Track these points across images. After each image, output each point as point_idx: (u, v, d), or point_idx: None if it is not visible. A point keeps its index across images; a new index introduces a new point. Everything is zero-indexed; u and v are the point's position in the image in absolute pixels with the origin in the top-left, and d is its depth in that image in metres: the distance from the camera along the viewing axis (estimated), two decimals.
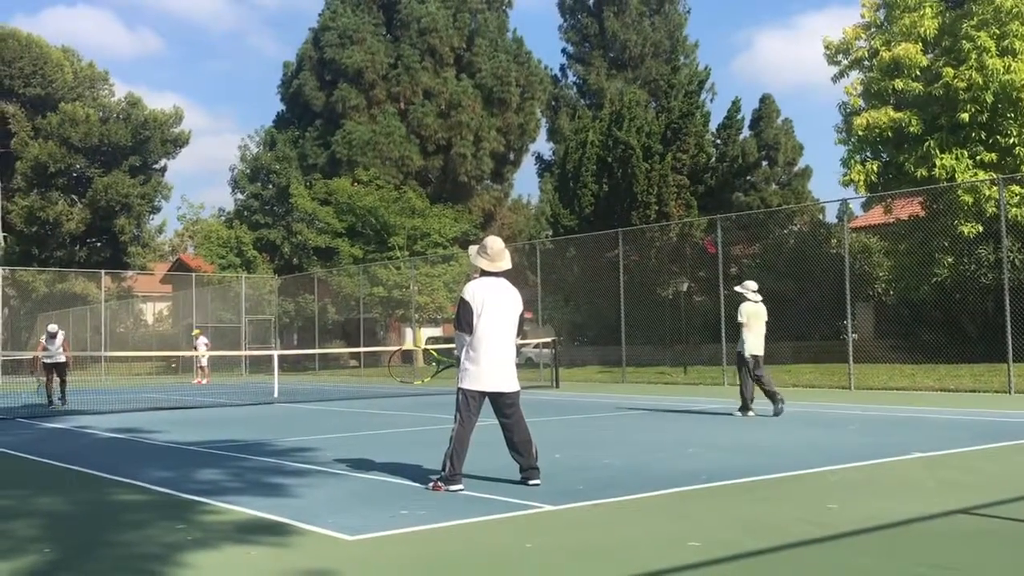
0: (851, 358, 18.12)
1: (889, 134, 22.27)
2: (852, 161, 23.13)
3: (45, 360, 18.63)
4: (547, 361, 24.86)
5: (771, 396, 12.10)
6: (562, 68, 49.62)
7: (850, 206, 28.16)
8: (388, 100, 43.58)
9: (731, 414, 12.56)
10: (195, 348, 28.67)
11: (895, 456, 8.04)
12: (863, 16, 24.14)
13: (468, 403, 6.72)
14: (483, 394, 6.74)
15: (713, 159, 34.84)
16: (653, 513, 5.86)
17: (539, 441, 6.97)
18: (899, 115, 22.04)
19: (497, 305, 6.73)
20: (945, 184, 20.89)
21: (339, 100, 42.83)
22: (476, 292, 6.72)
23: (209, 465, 8.33)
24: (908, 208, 24.81)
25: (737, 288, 12.82)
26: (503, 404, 6.79)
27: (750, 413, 12.27)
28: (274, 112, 49.53)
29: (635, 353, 24.81)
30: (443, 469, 6.59)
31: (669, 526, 5.44)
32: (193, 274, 43.01)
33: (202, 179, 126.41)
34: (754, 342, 12.30)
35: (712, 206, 31.77)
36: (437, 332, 47.23)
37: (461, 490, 6.49)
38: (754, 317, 12.35)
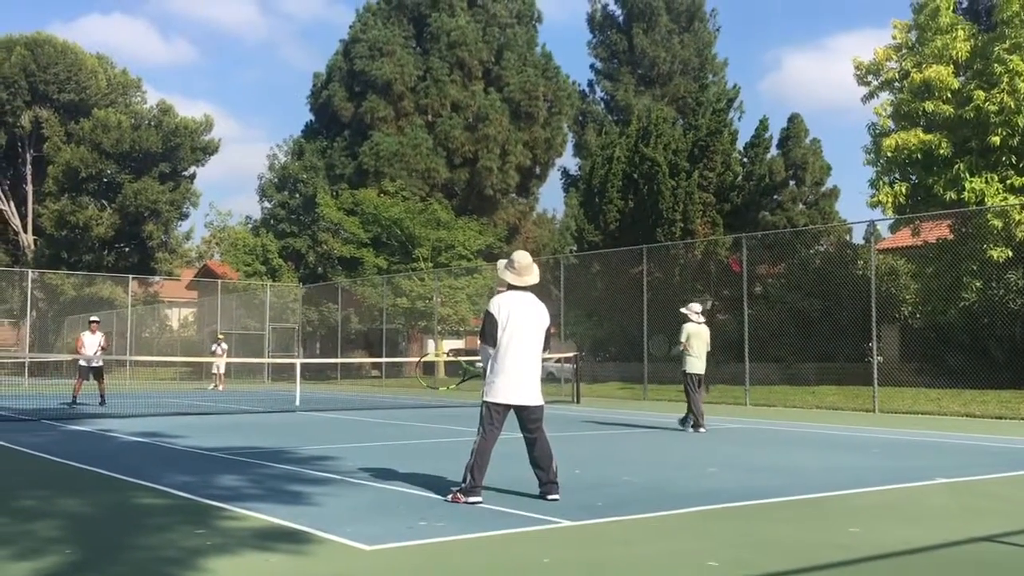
0: (876, 381, 17.95)
1: (918, 156, 22.11)
2: (880, 182, 22.97)
3: (82, 363, 18.77)
4: (569, 376, 24.80)
5: (693, 416, 12.77)
6: (590, 83, 49.74)
7: (877, 227, 27.93)
8: (416, 112, 43.81)
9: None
10: (212, 353, 28.73)
11: (919, 481, 7.95)
12: (894, 37, 24.02)
13: (492, 416, 6.73)
14: (508, 407, 6.75)
15: (740, 177, 34.71)
16: (672, 531, 5.82)
17: (559, 456, 6.96)
18: (929, 137, 21.88)
19: (523, 319, 6.74)
20: (974, 207, 20.69)
21: (367, 111, 43.11)
22: (502, 305, 6.74)
23: (230, 471, 8.37)
24: (936, 231, 24.60)
25: (682, 309, 13.46)
26: (528, 418, 6.80)
27: (702, 430, 12.71)
28: (303, 122, 49.90)
29: (657, 370, 24.70)
30: (463, 481, 6.60)
31: (688, 545, 5.41)
32: (219, 281, 43.33)
33: (231, 187, 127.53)
34: (695, 362, 12.94)
35: (738, 224, 31.63)
36: (459, 344, 47.29)
37: (480, 503, 6.49)
38: (696, 337, 12.99)
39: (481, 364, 6.94)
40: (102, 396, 18.46)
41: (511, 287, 6.89)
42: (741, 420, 15.47)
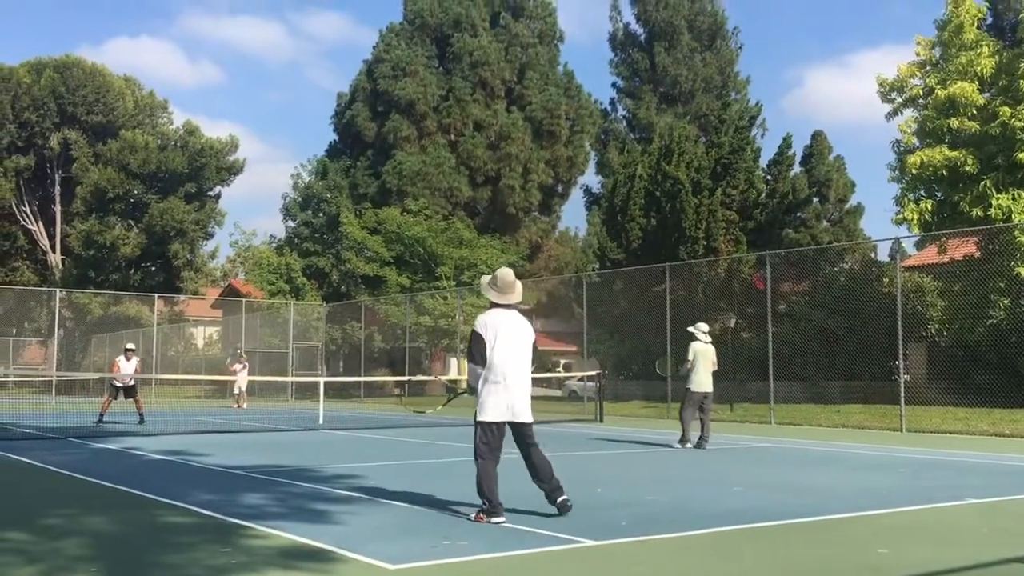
0: (903, 399, 17.75)
1: (944, 173, 21.95)
2: (905, 199, 22.80)
3: (115, 383, 18.96)
4: (591, 394, 24.72)
5: (702, 434, 13.04)
6: (612, 102, 49.80)
7: (903, 245, 27.72)
8: (439, 131, 44.05)
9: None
10: (232, 371, 28.78)
11: (947, 501, 7.85)
12: (918, 54, 23.91)
13: (488, 436, 6.73)
14: (503, 424, 6.76)
15: (763, 195, 34.59)
16: (697, 552, 5.78)
17: (581, 475, 6.95)
18: (954, 154, 21.73)
19: (510, 335, 6.77)
20: (1001, 224, 20.49)
21: (390, 131, 43.39)
22: (488, 324, 6.77)
23: (254, 489, 8.39)
24: (963, 248, 24.37)
25: (689, 328, 13.67)
26: (523, 434, 6.83)
27: (688, 445, 13.03)
28: (327, 142, 50.30)
29: (680, 389, 24.55)
30: (483, 503, 6.60)
31: (714, 566, 5.36)
32: (243, 300, 43.62)
33: (255, 206, 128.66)
34: (701, 380, 13.15)
35: (761, 242, 31.49)
36: None
37: (503, 522, 6.47)
38: (702, 356, 13.21)
39: (470, 384, 6.92)
40: (140, 414, 18.60)
41: (494, 305, 6.90)
42: (766, 439, 15.34)
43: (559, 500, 6.70)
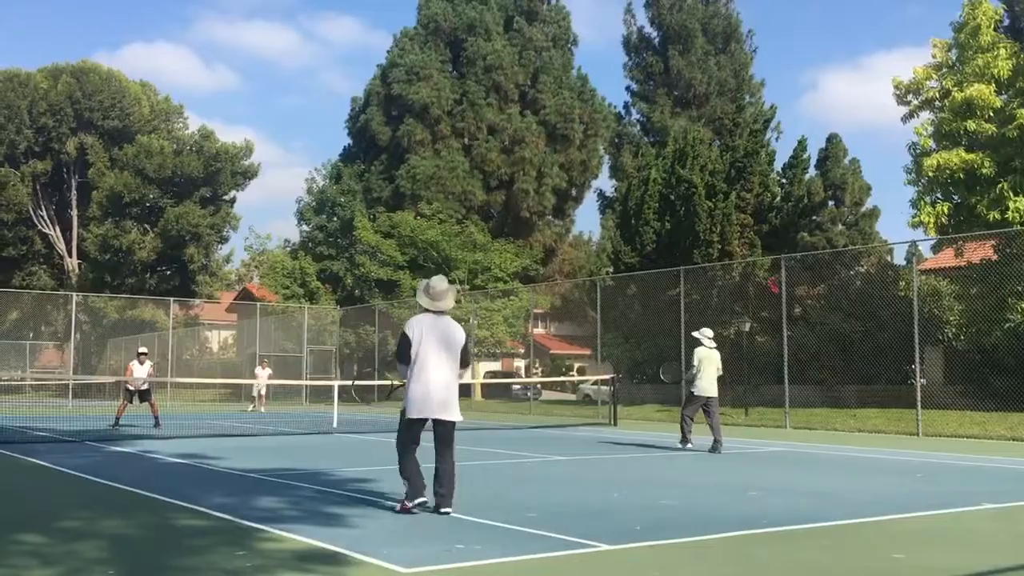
0: (919, 403, 17.64)
1: (961, 176, 21.82)
2: (922, 202, 22.68)
3: (129, 387, 19.07)
4: (605, 398, 24.68)
5: (715, 437, 13.17)
6: (626, 105, 49.72)
7: (919, 248, 27.58)
8: (452, 135, 44.09)
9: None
10: (256, 376, 29.12)
11: (965, 506, 7.80)
12: (934, 56, 23.80)
13: (409, 430, 7.24)
14: (423, 420, 7.19)
15: (778, 198, 34.48)
16: (712, 556, 5.75)
17: (596, 479, 6.94)
18: (971, 157, 21.60)
19: (434, 337, 7.19)
20: (1019, 227, 20.35)
21: (404, 135, 43.48)
22: (414, 326, 7.26)
23: (269, 493, 8.42)
24: (980, 251, 24.22)
25: (694, 333, 13.96)
26: (440, 432, 7.24)
27: (689, 445, 13.35)
28: (341, 146, 50.46)
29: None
30: (404, 488, 7.12)
31: (729, 570, 5.34)
32: (258, 304, 43.77)
33: (270, 211, 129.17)
34: (706, 385, 13.36)
35: (776, 246, 31.37)
36: (496, 366, 47.31)
37: (424, 501, 6.98)
38: (707, 361, 13.44)
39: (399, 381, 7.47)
40: (156, 418, 18.68)
41: (425, 310, 7.35)
42: (781, 443, 15.28)
43: (443, 508, 7.00)
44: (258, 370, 29.78)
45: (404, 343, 7.23)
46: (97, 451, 13.31)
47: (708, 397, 13.37)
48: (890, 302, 24.76)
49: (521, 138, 43.46)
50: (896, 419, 19.39)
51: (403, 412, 7.23)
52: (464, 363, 7.38)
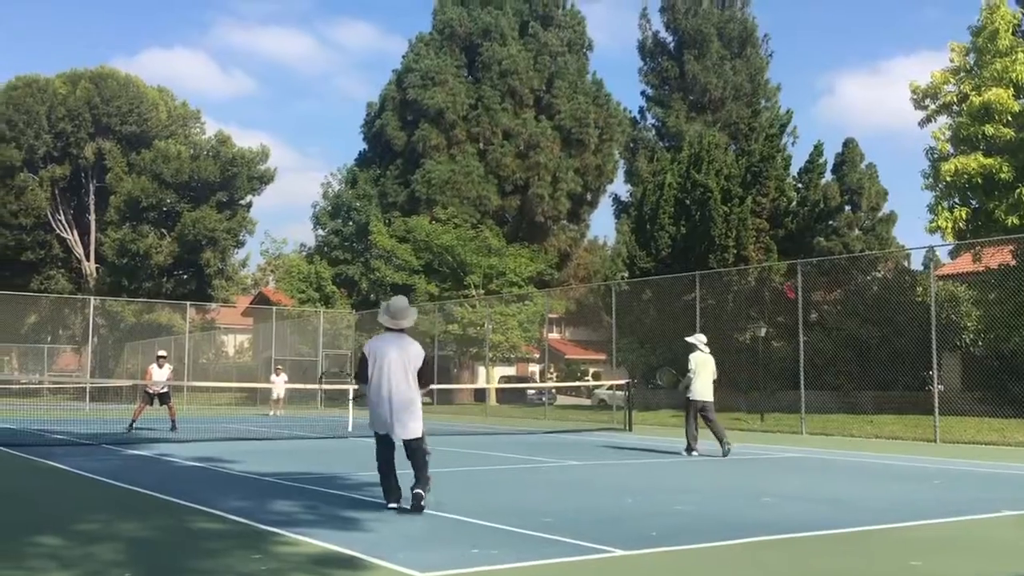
0: (937, 410, 17.52)
1: (979, 180, 21.68)
2: (940, 207, 22.54)
3: (148, 390, 19.16)
4: (620, 403, 24.63)
5: (719, 439, 13.22)
6: (641, 110, 49.68)
7: (937, 253, 27.37)
8: (468, 140, 44.16)
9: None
10: (272, 381, 29.40)
11: (983, 514, 7.74)
12: (952, 60, 23.66)
13: (377, 443, 7.63)
14: (385, 435, 7.53)
15: (794, 203, 34.35)
16: (727, 562, 5.73)
17: (611, 485, 6.92)
18: (989, 161, 21.46)
19: (389, 358, 7.41)
20: None
21: (420, 140, 43.58)
22: (371, 347, 7.56)
23: (284, 496, 8.45)
24: (998, 256, 24.04)
25: (688, 339, 14.02)
26: (406, 448, 7.56)
27: (694, 453, 13.35)
28: (357, 151, 50.60)
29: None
30: None
31: None
32: (273, 308, 43.93)
33: (286, 215, 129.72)
34: (702, 389, 13.50)
35: (792, 250, 31.25)
36: (510, 371, 47.28)
37: (394, 507, 7.36)
38: (702, 366, 13.57)
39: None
40: (173, 422, 18.76)
41: (387, 329, 7.62)
42: (797, 449, 15.21)
43: (413, 503, 7.30)
44: (273, 377, 30.10)
45: (361, 364, 7.54)
46: (114, 454, 13.39)
47: (704, 401, 13.50)
48: (907, 307, 24.62)
49: (536, 143, 43.48)
50: (913, 425, 19.26)
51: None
52: (424, 381, 7.56)
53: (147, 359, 30.67)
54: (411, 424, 7.44)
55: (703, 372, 13.55)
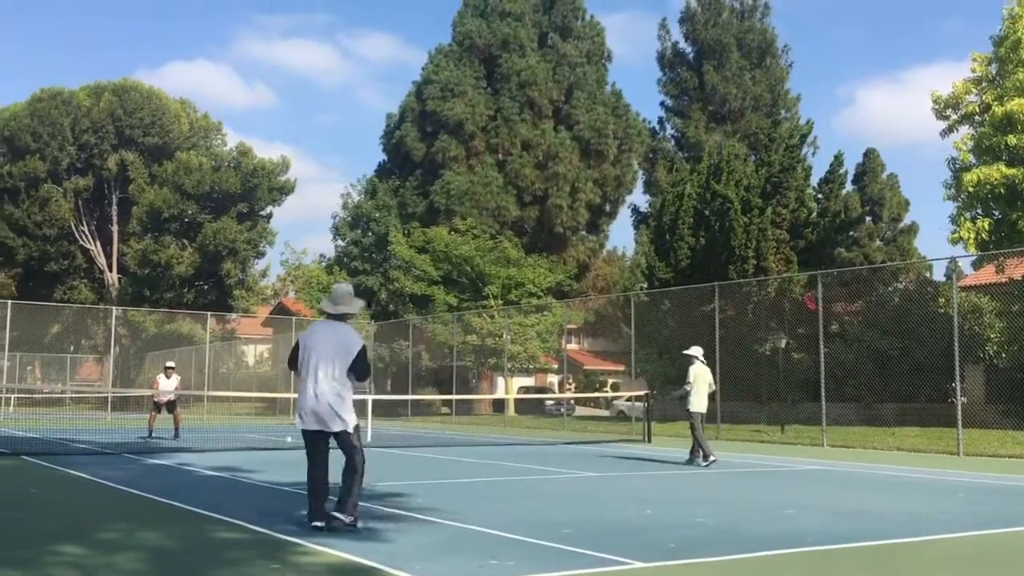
0: (960, 422, 17.34)
1: (1001, 191, 21.51)
2: (961, 218, 22.38)
3: (156, 399, 19.46)
4: (639, 415, 24.55)
5: (696, 451, 13.67)
6: (660, 121, 49.68)
7: (959, 264, 27.21)
8: (487, 151, 44.27)
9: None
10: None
11: (1008, 527, 7.65)
12: (974, 70, 23.52)
13: (305, 444, 7.09)
14: (313, 432, 6.96)
15: (814, 214, 34.18)
16: (747, 575, 5.69)
17: (630, 496, 6.89)
18: (1012, 171, 21.28)
19: (326, 346, 6.95)
20: None
21: (439, 151, 43.72)
22: (305, 335, 7.17)
23: (303, 506, 8.41)
24: (1021, 268, 23.83)
25: (686, 352, 14.33)
26: (339, 441, 7.01)
27: (712, 459, 13.58)
28: (376, 162, 50.89)
29: (730, 409, 24.27)
30: None
31: None
32: (293, 318, 44.11)
33: (306, 226, 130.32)
34: (699, 401, 13.84)
35: (813, 261, 31.07)
36: (529, 382, 47.22)
37: (319, 526, 6.75)
38: (700, 379, 13.91)
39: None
40: (176, 430, 18.94)
41: (329, 316, 7.20)
42: (818, 461, 15.09)
43: (334, 521, 6.78)
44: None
45: (293, 352, 7.17)
46: (135, 463, 13.46)
47: (702, 413, 13.86)
48: (929, 319, 24.42)
49: (555, 154, 43.52)
50: (936, 438, 19.08)
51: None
52: (360, 374, 7.02)
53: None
54: (341, 416, 6.90)
55: (700, 384, 13.90)
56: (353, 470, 6.96)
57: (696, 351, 14.19)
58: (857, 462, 15.19)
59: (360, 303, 7.52)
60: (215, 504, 8.47)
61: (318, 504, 6.94)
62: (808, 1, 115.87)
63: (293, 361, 7.15)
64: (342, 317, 7.25)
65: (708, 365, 14.52)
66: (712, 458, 13.58)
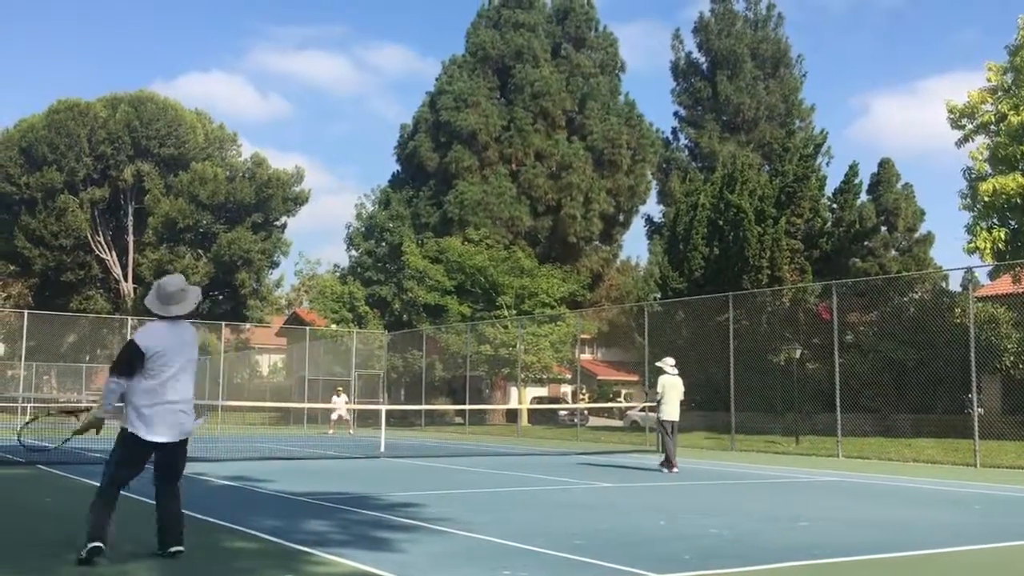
0: (977, 434, 17.20)
1: (1018, 200, 21.39)
2: (978, 228, 22.26)
3: None
4: (653, 425, 24.46)
5: (668, 458, 14.16)
6: (674, 131, 49.65)
7: (975, 274, 27.02)
8: (500, 161, 44.32)
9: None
10: (333, 402, 30.58)
11: None
12: (989, 80, 23.42)
13: (129, 457, 6.23)
14: (155, 445, 6.15)
15: (829, 224, 34.08)
16: None
17: (643, 507, 6.85)
18: None
19: (175, 352, 6.09)
20: None
21: (452, 161, 43.80)
22: (149, 337, 6.09)
23: (316, 516, 8.46)
24: None
25: (657, 363, 14.96)
26: (171, 458, 6.34)
27: (675, 470, 13.92)
28: (390, 172, 51.03)
29: (744, 420, 24.18)
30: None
31: None
32: (307, 328, 44.22)
33: (321, 236, 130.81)
34: (670, 410, 14.42)
35: (827, 272, 30.96)
36: (542, 392, 47.15)
37: (101, 546, 5.84)
38: (671, 388, 14.47)
39: (108, 400, 6.13)
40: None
41: (162, 318, 6.17)
42: (833, 472, 14.99)
43: (172, 549, 6.15)
44: (334, 398, 31.36)
45: (132, 353, 5.96)
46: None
47: (673, 421, 14.41)
48: (945, 329, 24.26)
49: (568, 164, 43.54)
50: (952, 449, 18.93)
51: (125, 437, 6.16)
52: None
53: None
54: (191, 423, 6.29)
55: (671, 394, 14.42)
56: (179, 500, 6.42)
57: (666, 362, 14.74)
58: (872, 473, 15.09)
59: (196, 294, 6.33)
60: (228, 513, 8.49)
61: (109, 522, 6.11)
62: (821, 11, 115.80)
63: (127, 366, 5.96)
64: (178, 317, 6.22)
65: (713, 374, 14.69)
66: (675, 469, 13.95)
